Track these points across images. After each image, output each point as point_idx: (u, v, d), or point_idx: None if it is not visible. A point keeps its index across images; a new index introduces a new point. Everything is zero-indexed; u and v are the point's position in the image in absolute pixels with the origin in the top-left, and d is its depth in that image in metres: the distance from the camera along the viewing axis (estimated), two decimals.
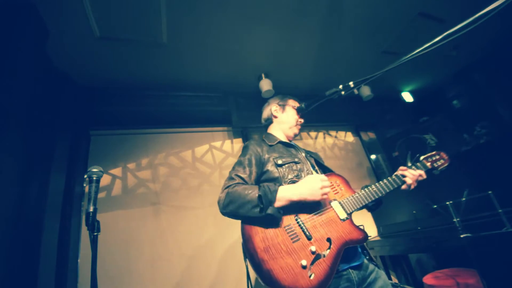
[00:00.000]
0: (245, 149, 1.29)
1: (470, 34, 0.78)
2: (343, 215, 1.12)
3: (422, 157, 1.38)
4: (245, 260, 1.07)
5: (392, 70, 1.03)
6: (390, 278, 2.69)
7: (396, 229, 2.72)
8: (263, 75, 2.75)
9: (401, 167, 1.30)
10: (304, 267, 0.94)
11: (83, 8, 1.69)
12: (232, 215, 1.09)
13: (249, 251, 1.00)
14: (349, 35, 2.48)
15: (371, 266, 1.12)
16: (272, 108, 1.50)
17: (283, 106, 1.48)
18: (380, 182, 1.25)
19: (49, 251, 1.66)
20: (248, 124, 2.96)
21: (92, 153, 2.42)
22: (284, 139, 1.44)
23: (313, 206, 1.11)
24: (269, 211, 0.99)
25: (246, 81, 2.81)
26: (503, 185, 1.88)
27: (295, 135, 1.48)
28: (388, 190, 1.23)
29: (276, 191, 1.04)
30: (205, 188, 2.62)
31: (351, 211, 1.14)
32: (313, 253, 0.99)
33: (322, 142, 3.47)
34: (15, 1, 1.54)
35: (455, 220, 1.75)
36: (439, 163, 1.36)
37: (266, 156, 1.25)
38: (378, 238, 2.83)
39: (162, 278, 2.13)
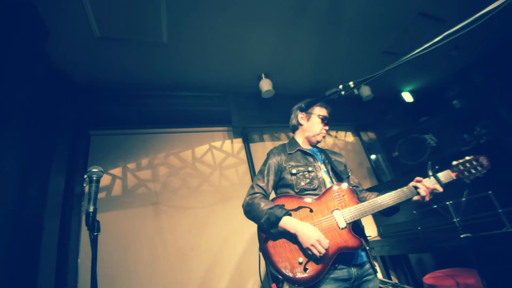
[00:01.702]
0: (266, 158, 1.47)
1: (470, 34, 0.78)
2: (342, 224, 1.22)
3: (454, 163, 1.24)
4: (259, 252, 1.29)
5: (392, 70, 1.03)
6: (390, 278, 2.69)
7: (396, 229, 2.72)
8: (263, 75, 2.75)
9: (417, 178, 1.26)
10: (300, 263, 1.16)
11: (83, 8, 1.69)
12: (251, 220, 1.31)
13: (261, 245, 1.26)
14: (349, 35, 2.48)
15: (370, 270, 1.26)
16: (298, 116, 1.58)
17: (308, 115, 1.55)
18: (388, 193, 1.26)
19: (49, 251, 1.67)
20: (248, 124, 2.96)
21: (92, 153, 2.42)
22: (306, 146, 1.55)
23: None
24: (272, 230, 1.22)
25: (246, 81, 2.81)
26: (503, 185, 1.87)
27: (318, 142, 1.56)
28: (396, 203, 1.24)
29: (279, 219, 1.20)
30: (205, 188, 2.62)
31: (349, 221, 1.23)
32: (309, 256, 1.16)
33: (322, 142, 3.47)
34: (15, 1, 1.54)
35: (455, 220, 1.75)
36: (473, 171, 1.20)
37: (284, 164, 1.42)
38: (378, 238, 2.83)
39: (162, 278, 2.13)
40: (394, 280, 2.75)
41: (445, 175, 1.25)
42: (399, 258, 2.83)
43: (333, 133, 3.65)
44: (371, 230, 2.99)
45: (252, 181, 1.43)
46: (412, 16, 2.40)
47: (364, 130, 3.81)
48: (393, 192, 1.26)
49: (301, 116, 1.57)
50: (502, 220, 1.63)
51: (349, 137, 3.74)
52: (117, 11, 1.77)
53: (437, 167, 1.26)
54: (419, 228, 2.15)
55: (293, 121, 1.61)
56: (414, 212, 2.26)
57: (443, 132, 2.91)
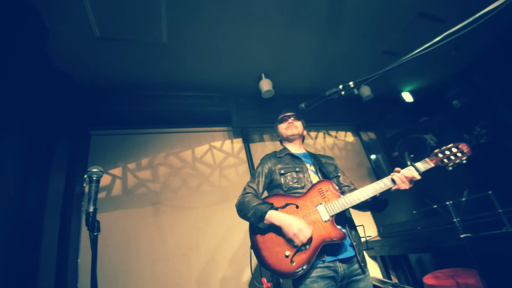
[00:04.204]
0: (259, 163, 1.61)
1: (470, 34, 0.78)
2: (325, 217, 1.30)
3: (434, 151, 1.30)
4: (250, 249, 1.37)
5: (392, 70, 1.03)
6: (390, 278, 2.69)
7: (396, 229, 2.72)
8: (263, 75, 2.75)
9: (396, 169, 1.32)
10: (287, 256, 1.24)
11: (83, 8, 1.69)
12: (242, 218, 1.42)
13: (252, 242, 1.36)
14: (349, 35, 2.48)
15: (359, 270, 1.28)
16: (276, 136, 1.85)
17: (276, 132, 1.81)
18: (369, 185, 1.32)
19: (49, 251, 1.66)
20: (248, 124, 2.96)
21: (92, 153, 2.42)
22: (293, 151, 1.66)
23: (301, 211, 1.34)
24: (260, 225, 1.31)
25: (246, 81, 2.81)
26: (503, 185, 1.88)
27: (293, 135, 1.69)
28: (376, 193, 1.30)
29: (265, 213, 1.29)
30: (205, 188, 2.62)
31: (332, 214, 1.30)
32: (295, 246, 1.24)
33: (322, 142, 3.47)
34: (15, 1, 1.54)
35: (455, 220, 1.75)
36: (453, 157, 1.24)
37: (274, 167, 1.55)
38: (378, 238, 2.83)
39: (162, 278, 2.13)
40: (394, 280, 2.75)
41: (423, 164, 1.29)
42: (399, 258, 2.82)
43: (333, 133, 3.65)
44: (371, 230, 2.99)
45: (246, 183, 1.56)
46: (412, 16, 2.40)
47: (364, 130, 3.81)
48: (373, 183, 1.32)
49: (276, 136, 1.84)
50: (502, 220, 1.63)
51: (349, 137, 3.74)
52: (117, 11, 1.77)
53: (412, 155, 1.35)
54: (419, 228, 2.15)
55: (278, 139, 1.85)
56: (414, 212, 2.26)
57: (443, 132, 2.91)
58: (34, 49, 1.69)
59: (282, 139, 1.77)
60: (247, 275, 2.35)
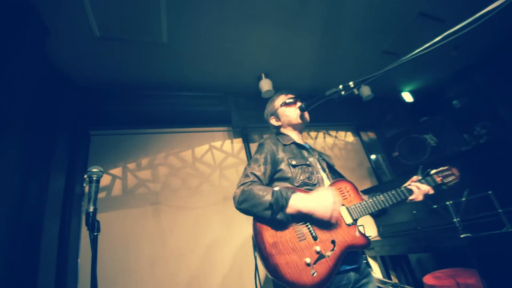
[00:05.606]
0: (261, 147, 1.32)
1: (470, 34, 0.78)
2: (349, 220, 1.16)
3: (433, 171, 1.39)
4: (254, 253, 1.12)
5: (392, 70, 1.03)
6: (390, 278, 2.69)
7: (396, 229, 2.72)
8: (263, 75, 2.75)
9: (413, 178, 1.33)
10: (308, 265, 1.01)
11: (83, 8, 1.69)
12: (245, 212, 1.13)
13: (259, 245, 1.06)
14: (349, 35, 2.48)
15: (366, 271, 1.20)
16: (271, 121, 1.53)
17: (276, 113, 1.49)
18: (389, 192, 1.29)
19: (49, 251, 1.67)
20: (248, 124, 2.96)
21: (92, 153, 2.42)
22: (298, 140, 1.43)
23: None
24: (279, 216, 1.05)
25: (246, 81, 2.81)
26: (503, 185, 1.87)
27: (306, 123, 1.46)
28: (395, 201, 1.28)
29: (288, 199, 1.05)
30: (205, 188, 2.62)
31: (357, 217, 1.18)
32: (317, 252, 1.05)
33: (322, 142, 3.47)
34: (15, 1, 1.54)
35: (455, 220, 1.75)
36: (449, 179, 1.37)
37: (281, 155, 1.29)
38: (378, 238, 2.83)
39: (162, 278, 2.13)
40: (394, 280, 2.75)
41: (434, 179, 1.37)
42: (399, 258, 2.82)
43: (333, 133, 3.65)
44: (371, 230, 2.99)
45: (245, 170, 1.25)
46: (412, 16, 2.40)
47: (364, 130, 3.81)
48: (393, 190, 1.29)
49: (273, 121, 1.51)
50: (502, 220, 1.62)
51: (349, 137, 3.74)
52: (117, 11, 1.77)
53: (429, 170, 1.39)
54: (419, 228, 2.15)
55: (273, 130, 1.54)
56: (414, 212, 2.26)
57: (443, 132, 2.91)
58: (34, 49, 1.69)
59: (286, 126, 1.46)
60: (247, 276, 2.35)
